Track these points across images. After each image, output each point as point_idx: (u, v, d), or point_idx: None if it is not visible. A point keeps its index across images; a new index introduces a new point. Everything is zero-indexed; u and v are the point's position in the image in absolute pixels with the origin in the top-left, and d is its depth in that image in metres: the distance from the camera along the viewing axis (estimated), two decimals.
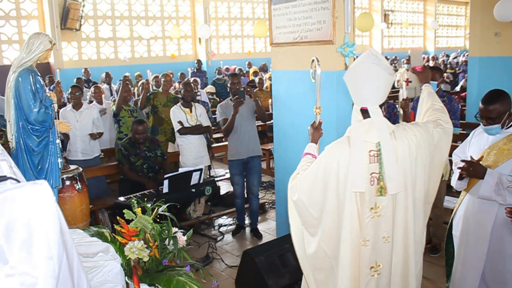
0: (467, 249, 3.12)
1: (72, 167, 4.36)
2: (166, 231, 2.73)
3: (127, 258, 2.49)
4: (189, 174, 5.01)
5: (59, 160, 3.76)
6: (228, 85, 5.42)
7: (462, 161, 2.96)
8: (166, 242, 2.70)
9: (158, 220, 2.76)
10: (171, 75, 8.60)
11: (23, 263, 0.73)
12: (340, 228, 2.29)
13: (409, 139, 2.25)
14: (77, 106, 5.87)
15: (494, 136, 3.03)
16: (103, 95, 7.33)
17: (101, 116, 6.36)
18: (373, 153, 2.21)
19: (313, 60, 2.90)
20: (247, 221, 5.77)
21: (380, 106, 2.30)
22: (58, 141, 3.74)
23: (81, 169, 4.33)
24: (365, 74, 2.25)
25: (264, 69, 14.39)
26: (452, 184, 3.22)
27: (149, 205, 2.77)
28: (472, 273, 3.08)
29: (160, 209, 2.78)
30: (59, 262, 0.77)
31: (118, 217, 2.65)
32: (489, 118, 2.96)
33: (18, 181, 0.95)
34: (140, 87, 7.60)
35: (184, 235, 2.82)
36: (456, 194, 5.38)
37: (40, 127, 3.60)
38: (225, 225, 5.82)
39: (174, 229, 2.77)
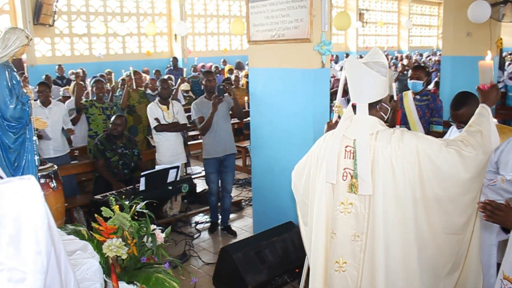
0: None
1: (47, 165, 4.30)
2: (145, 229, 2.72)
3: (105, 256, 2.48)
4: (165, 171, 4.99)
5: (36, 158, 3.71)
6: (203, 82, 5.38)
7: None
8: (145, 239, 2.70)
9: (136, 217, 2.75)
10: (146, 72, 8.52)
11: (12, 258, 0.73)
12: (313, 215, 2.37)
13: (393, 145, 2.15)
14: (45, 103, 5.76)
15: None
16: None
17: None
18: (349, 149, 2.23)
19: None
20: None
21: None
22: (34, 138, 3.68)
23: (56, 167, 4.26)
24: (354, 72, 2.29)
25: (239, 66, 14.38)
26: None
27: (126, 202, 2.76)
28: None
29: (138, 206, 2.77)
30: (48, 257, 0.77)
31: (96, 215, 2.63)
32: (460, 121, 3.06)
33: (1, 177, 0.95)
34: (120, 83, 7.47)
35: (162, 232, 2.81)
36: None
37: (17, 123, 3.52)
38: (201, 223, 5.82)
39: (153, 226, 2.76)
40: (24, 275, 0.74)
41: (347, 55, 17.65)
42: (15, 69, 3.61)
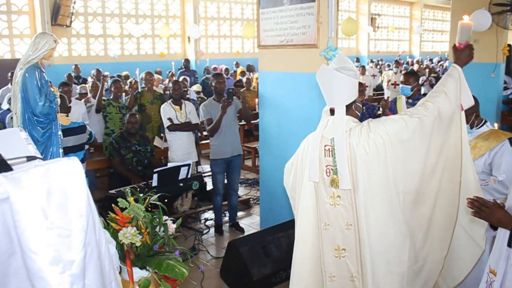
0: None
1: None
2: (157, 219, 2.94)
3: (121, 243, 2.70)
4: (177, 169, 5.21)
5: (60, 150, 4.00)
6: (213, 84, 5.53)
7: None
8: (157, 229, 2.91)
9: (150, 209, 2.97)
10: (159, 73, 8.73)
11: (60, 219, 0.94)
12: (299, 210, 2.60)
13: (364, 137, 2.37)
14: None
15: None
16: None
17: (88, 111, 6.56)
18: (328, 147, 2.48)
19: None
20: (224, 219, 5.96)
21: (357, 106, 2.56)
22: (60, 132, 3.99)
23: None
24: (330, 80, 2.50)
25: (250, 69, 14.58)
26: None
27: (141, 195, 2.97)
28: None
29: (152, 198, 2.99)
30: (87, 220, 0.99)
31: (113, 205, 2.84)
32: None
33: (44, 160, 1.17)
34: (128, 86, 7.75)
35: (173, 223, 3.02)
36: None
37: (45, 119, 3.84)
38: (211, 219, 6.02)
39: (165, 217, 2.98)
40: (70, 232, 0.95)
41: (358, 60, 17.78)
42: (44, 70, 3.91)
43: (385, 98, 4.56)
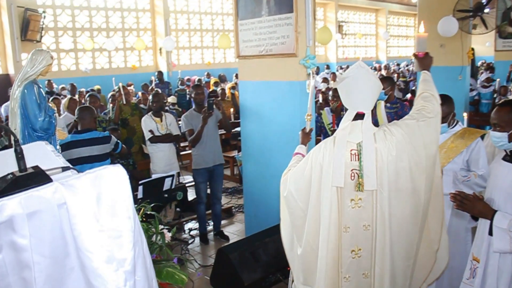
0: None
1: None
2: (153, 229, 3.01)
3: None
4: (162, 180, 5.26)
5: None
6: (192, 96, 5.63)
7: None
8: (153, 238, 2.98)
9: (143, 220, 3.03)
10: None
11: (110, 222, 1.03)
12: (320, 217, 2.60)
13: (388, 141, 2.48)
14: None
15: (442, 136, 3.51)
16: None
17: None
18: (354, 151, 2.53)
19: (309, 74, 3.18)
20: (208, 228, 6.02)
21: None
22: (58, 147, 4.01)
23: None
24: (365, 83, 2.55)
25: (222, 79, 14.71)
26: None
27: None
28: None
29: (146, 208, 3.06)
30: (134, 221, 1.08)
31: None
32: None
33: (77, 171, 1.26)
34: (111, 99, 7.76)
35: (168, 231, 3.10)
36: None
37: (44, 134, 3.89)
38: (194, 229, 6.08)
39: (160, 226, 3.05)
40: (120, 233, 1.04)
41: (328, 67, 18.13)
42: (41, 86, 3.95)
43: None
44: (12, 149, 1.29)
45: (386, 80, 5.12)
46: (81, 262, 1.02)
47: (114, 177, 1.05)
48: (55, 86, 11.80)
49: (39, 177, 1.20)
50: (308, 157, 2.67)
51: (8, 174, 1.23)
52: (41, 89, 3.97)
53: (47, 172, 1.19)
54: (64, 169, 1.23)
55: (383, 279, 2.56)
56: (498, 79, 10.04)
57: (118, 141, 5.08)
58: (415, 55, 2.90)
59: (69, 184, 1.01)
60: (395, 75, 14.96)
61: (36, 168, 1.24)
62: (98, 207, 1.02)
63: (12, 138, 1.28)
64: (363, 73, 2.55)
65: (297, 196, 2.69)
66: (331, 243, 2.57)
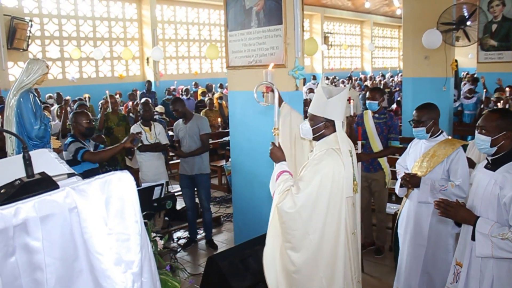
0: (410, 243, 3.66)
1: None
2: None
3: None
4: (151, 189, 5.29)
5: None
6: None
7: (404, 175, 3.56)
8: None
9: None
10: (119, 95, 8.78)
11: (118, 225, 1.09)
12: (339, 230, 2.63)
13: None
14: None
15: (425, 146, 3.61)
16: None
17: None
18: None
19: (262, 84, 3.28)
20: (199, 236, 6.10)
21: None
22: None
23: None
24: (343, 95, 2.77)
25: (209, 89, 14.78)
26: (396, 191, 3.78)
27: None
28: (414, 264, 3.62)
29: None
30: (141, 225, 1.14)
31: None
32: (418, 121, 3.55)
33: (82, 177, 1.31)
34: (100, 107, 7.80)
35: (161, 239, 3.15)
36: (396, 201, 5.99)
37: (39, 142, 3.91)
38: (183, 238, 6.11)
39: (152, 234, 3.09)
40: (128, 236, 1.10)
41: (314, 77, 18.31)
42: (36, 95, 3.98)
43: (351, 114, 4.82)
44: (16, 156, 1.35)
45: (378, 91, 5.20)
46: (90, 264, 1.07)
47: (122, 183, 1.11)
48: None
49: (46, 183, 1.26)
50: (319, 178, 2.60)
51: (16, 180, 1.28)
52: (37, 98, 4.01)
53: (54, 178, 1.24)
54: (70, 175, 1.29)
55: None
56: (485, 90, 10.24)
57: (83, 147, 4.83)
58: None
59: (80, 189, 1.06)
60: (382, 86, 15.18)
61: (43, 174, 1.30)
62: (107, 211, 1.08)
63: (15, 144, 1.33)
64: (337, 88, 2.81)
65: (306, 217, 2.61)
66: (343, 247, 2.66)
